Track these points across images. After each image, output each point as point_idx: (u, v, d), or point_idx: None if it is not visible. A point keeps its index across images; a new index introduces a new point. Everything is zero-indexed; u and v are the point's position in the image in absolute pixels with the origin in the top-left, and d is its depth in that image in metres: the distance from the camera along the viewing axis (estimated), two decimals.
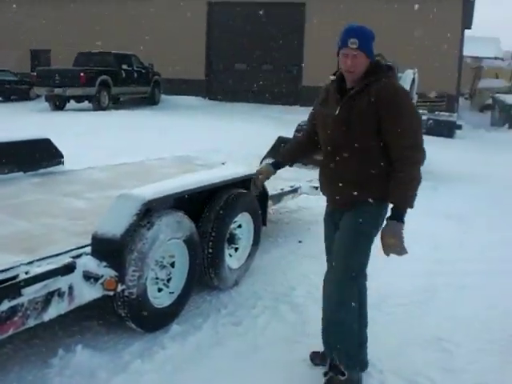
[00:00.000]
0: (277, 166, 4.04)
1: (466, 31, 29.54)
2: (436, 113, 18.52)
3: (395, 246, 3.22)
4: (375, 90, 3.22)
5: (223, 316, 4.38)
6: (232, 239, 4.89)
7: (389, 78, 3.32)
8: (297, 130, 11.21)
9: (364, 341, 3.64)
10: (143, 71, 22.26)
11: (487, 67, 25.72)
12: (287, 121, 16.83)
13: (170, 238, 3.98)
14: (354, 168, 3.32)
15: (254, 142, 12.51)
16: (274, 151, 10.27)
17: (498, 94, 20.95)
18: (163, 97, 24.11)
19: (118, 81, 20.64)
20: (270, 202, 5.95)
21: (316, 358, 3.82)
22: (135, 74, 21.75)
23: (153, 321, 4.02)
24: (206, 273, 4.63)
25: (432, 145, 14.19)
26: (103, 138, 12.59)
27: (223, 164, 7.74)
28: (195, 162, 7.41)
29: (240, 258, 5.03)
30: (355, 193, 3.35)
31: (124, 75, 21.03)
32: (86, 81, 19.05)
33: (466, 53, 28.96)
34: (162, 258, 4.09)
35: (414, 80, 11.55)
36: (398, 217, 3.22)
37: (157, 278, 4.08)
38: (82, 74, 18.98)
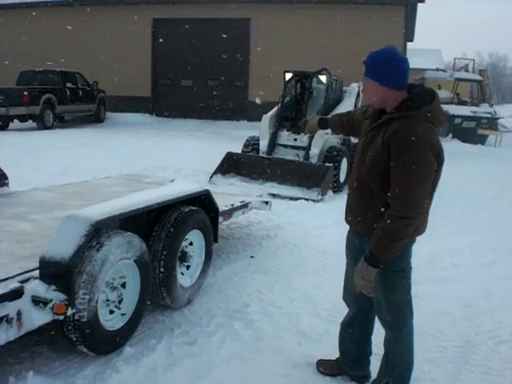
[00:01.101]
0: (324, 124, 4.13)
1: (409, 44, 30.25)
2: None
3: (364, 287, 3.16)
4: (392, 129, 3.06)
5: (177, 336, 4.32)
6: (184, 257, 4.83)
7: (414, 117, 3.04)
8: (245, 145, 11.25)
9: None
10: (88, 89, 21.95)
11: (430, 79, 26.18)
12: (234, 136, 16.90)
13: (120, 259, 3.90)
14: (356, 202, 3.35)
15: (201, 158, 12.54)
16: (224, 166, 10.30)
17: (440, 105, 21.37)
18: (109, 114, 23.82)
19: (63, 99, 20.28)
20: (221, 218, 5.94)
21: (323, 366, 3.91)
22: (80, 92, 21.42)
23: (105, 344, 3.93)
24: (157, 292, 4.56)
25: None
26: (48, 158, 12.33)
27: (172, 181, 7.70)
28: (144, 180, 7.32)
29: (192, 275, 4.99)
30: (360, 224, 3.36)
31: (69, 93, 20.68)
32: (30, 100, 18.64)
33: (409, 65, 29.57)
34: (113, 279, 4.01)
35: (359, 93, 11.71)
36: (370, 260, 3.11)
37: (108, 300, 3.99)
38: (25, 93, 18.56)
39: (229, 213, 6.15)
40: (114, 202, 4.20)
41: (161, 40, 24.82)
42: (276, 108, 11.33)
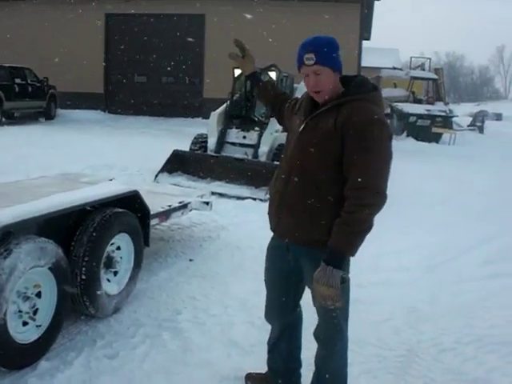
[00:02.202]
0: (256, 77, 3.56)
1: (366, 42, 30.27)
2: None
3: (330, 296, 2.77)
4: (347, 111, 2.81)
5: (99, 348, 4.02)
6: (110, 263, 4.53)
7: (367, 100, 2.87)
8: (193, 143, 10.97)
9: None
10: (38, 85, 21.30)
11: (386, 77, 26.23)
12: (188, 134, 16.41)
13: (31, 267, 3.59)
14: (301, 197, 2.94)
15: (151, 156, 12.12)
16: (169, 165, 9.99)
17: (395, 103, 21.39)
18: (61, 111, 23.20)
19: (11, 95, 19.62)
20: (157, 220, 5.66)
21: (251, 380, 3.64)
22: (29, 88, 20.76)
23: (17, 358, 3.61)
24: (80, 301, 4.25)
25: None
26: None
27: (110, 180, 7.33)
28: (80, 180, 6.95)
29: (120, 282, 4.69)
30: (301, 227, 2.97)
31: (17, 89, 20.04)
32: None
33: (365, 64, 29.60)
34: (26, 288, 3.69)
35: None
36: (335, 262, 2.75)
37: (20, 311, 3.68)
38: None
39: (166, 214, 5.87)
40: (28, 204, 3.88)
41: (114, 35, 24.34)
42: (225, 105, 11.07)
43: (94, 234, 4.21)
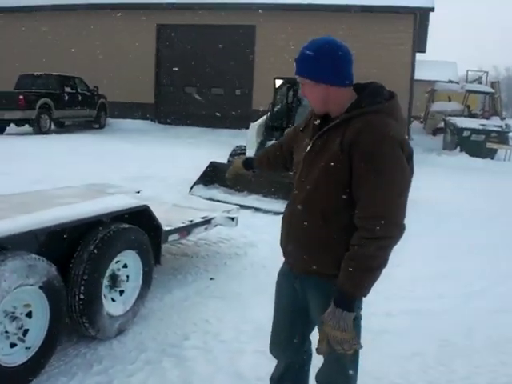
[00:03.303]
0: (249, 164, 3.42)
1: (421, 55, 29.60)
2: None
3: (346, 340, 2.38)
4: (354, 129, 2.39)
5: (93, 374, 3.72)
6: (114, 281, 4.25)
7: (380, 111, 2.44)
8: (231, 155, 10.68)
9: None
10: (88, 94, 21.50)
11: (441, 90, 25.55)
12: (234, 145, 16.27)
13: (17, 286, 3.33)
14: (305, 227, 2.57)
15: (194, 167, 11.85)
16: (206, 177, 9.73)
17: (449, 117, 20.71)
18: (111, 120, 23.37)
19: (61, 104, 19.84)
20: (176, 236, 5.37)
21: None
22: (79, 97, 20.97)
23: (2, 382, 3.35)
24: (79, 322, 3.97)
25: None
26: (30, 164, 11.84)
27: (138, 192, 7.15)
28: (106, 191, 6.74)
29: (126, 302, 4.39)
30: (307, 259, 2.60)
31: (67, 98, 20.24)
32: (26, 104, 18.21)
33: (420, 76, 28.93)
34: (14, 308, 3.44)
35: None
36: (344, 304, 2.36)
37: (7, 332, 3.42)
38: (20, 97, 18.14)
39: (186, 229, 5.57)
40: (21, 218, 3.63)
41: (165, 46, 24.37)
42: (265, 117, 10.76)
43: (96, 251, 3.93)
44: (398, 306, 5.27)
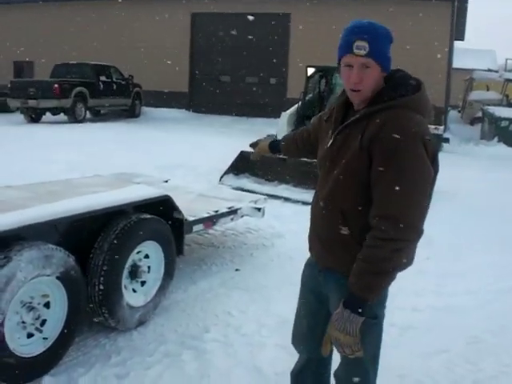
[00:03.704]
0: (275, 147, 3.35)
1: (460, 43, 29.06)
2: None
3: (347, 344, 2.29)
4: (376, 124, 2.27)
5: (111, 366, 3.69)
6: (135, 272, 4.20)
7: (404, 106, 2.31)
8: None
9: None
10: (123, 83, 21.60)
11: (479, 79, 25.04)
12: (265, 135, 16.16)
13: (34, 276, 3.30)
14: (327, 225, 2.49)
15: (225, 156, 11.81)
16: (236, 166, 9.66)
17: (487, 107, 20.26)
18: (145, 109, 23.47)
19: (96, 93, 19.98)
20: (201, 226, 5.32)
21: None
22: (114, 86, 21.09)
23: (19, 372, 3.33)
24: (99, 312, 3.94)
25: None
26: (63, 152, 11.89)
27: (166, 182, 7.12)
28: (133, 180, 6.72)
29: (148, 293, 4.35)
30: (328, 256, 2.54)
31: (102, 87, 20.37)
32: (61, 92, 18.37)
33: (459, 65, 28.43)
34: (31, 298, 3.42)
35: None
36: (353, 306, 2.25)
37: (24, 322, 3.40)
38: (55, 86, 18.31)
39: (211, 220, 5.51)
40: (40, 208, 3.61)
41: (199, 35, 24.35)
42: (296, 106, 10.62)
43: (116, 242, 3.90)
44: (426, 301, 5.13)
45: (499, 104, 21.22)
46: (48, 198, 4.77)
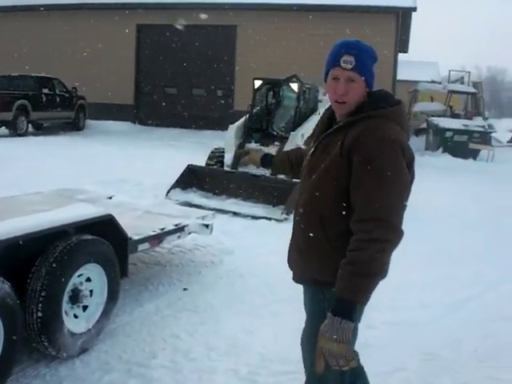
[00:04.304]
0: (267, 162, 3.35)
1: (403, 55, 29.51)
2: None
3: (341, 355, 2.23)
4: (356, 131, 2.39)
5: None
6: (76, 297, 3.98)
7: (384, 116, 2.44)
8: (209, 158, 10.43)
9: None
10: (66, 95, 21.08)
11: (423, 91, 25.41)
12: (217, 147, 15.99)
13: None
14: (304, 231, 2.55)
15: (172, 170, 11.58)
16: (183, 180, 9.48)
17: (432, 118, 20.56)
18: (90, 122, 22.97)
19: (38, 105, 19.41)
20: (147, 245, 5.12)
21: None
22: (57, 99, 20.55)
23: None
24: (38, 341, 3.71)
25: None
26: (4, 167, 11.47)
27: (110, 198, 6.89)
28: (77, 197, 6.47)
29: (90, 318, 4.13)
30: (304, 265, 2.62)
31: (45, 99, 19.84)
32: (2, 105, 17.78)
33: (402, 77, 28.82)
34: None
35: None
36: (343, 312, 2.24)
37: None
38: None
39: (158, 238, 5.32)
40: None
41: (145, 46, 24.07)
42: (244, 118, 10.50)
43: (54, 265, 3.67)
44: (380, 316, 5.01)
45: (443, 115, 21.54)
46: None
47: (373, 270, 2.26)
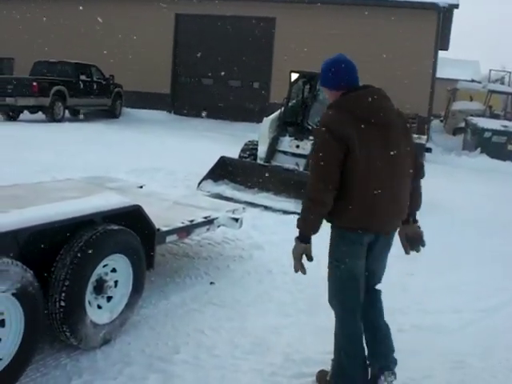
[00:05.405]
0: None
1: (444, 53, 28.99)
2: None
3: (295, 265, 3.38)
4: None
5: None
6: (101, 287, 3.91)
7: (330, 107, 3.37)
8: (242, 150, 10.32)
9: None
10: (104, 83, 21.18)
11: (462, 89, 24.97)
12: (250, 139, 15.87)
13: None
14: None
15: (205, 161, 11.51)
16: (215, 172, 9.38)
17: (470, 117, 20.16)
18: (126, 110, 23.07)
19: (75, 92, 19.54)
20: (175, 237, 5.04)
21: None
22: (94, 86, 20.67)
23: None
24: (60, 330, 3.65)
25: None
26: (38, 152, 11.53)
27: (141, 187, 6.83)
28: (107, 185, 6.43)
29: (113, 309, 4.05)
30: None
31: (82, 86, 19.96)
32: (39, 91, 17.92)
33: (442, 75, 28.35)
34: None
35: None
36: (298, 236, 3.36)
37: None
38: (34, 84, 17.86)
39: (186, 230, 5.23)
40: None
41: (183, 36, 24.04)
42: (279, 111, 10.36)
43: (79, 255, 3.60)
44: (410, 319, 4.90)
45: (482, 115, 21.13)
46: (10, 204, 4.48)
47: (303, 214, 3.31)
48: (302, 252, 3.32)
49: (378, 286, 3.71)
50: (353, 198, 3.20)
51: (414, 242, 3.63)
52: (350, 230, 3.29)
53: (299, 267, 3.35)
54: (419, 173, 3.52)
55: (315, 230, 3.29)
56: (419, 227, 3.67)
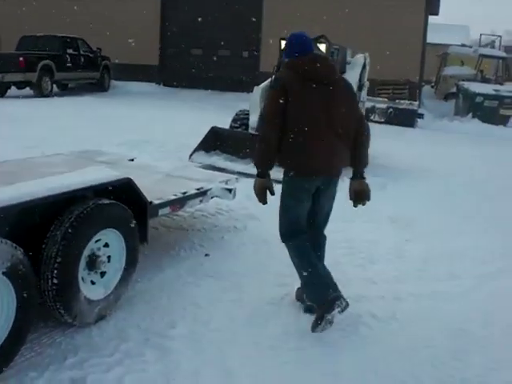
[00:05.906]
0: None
1: (434, 18, 28.67)
2: (396, 101, 17.58)
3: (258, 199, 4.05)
4: None
5: (66, 367, 3.34)
6: (94, 263, 3.83)
7: (281, 68, 4.26)
8: (233, 120, 10.19)
9: None
10: (91, 56, 20.86)
11: (453, 54, 24.74)
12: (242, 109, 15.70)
13: None
14: None
15: (195, 132, 11.36)
16: (207, 143, 9.26)
17: (462, 82, 20.01)
18: (115, 83, 22.78)
19: (63, 66, 19.25)
20: (168, 209, 4.96)
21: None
22: (82, 59, 20.35)
23: None
24: (53, 308, 3.58)
25: (388, 135, 13.23)
26: (27, 128, 11.38)
27: (132, 160, 6.72)
28: (96, 159, 6.32)
29: (107, 285, 3.98)
30: None
31: (69, 60, 19.66)
32: (26, 66, 17.64)
33: (432, 40, 28.07)
34: None
35: (364, 65, 10.54)
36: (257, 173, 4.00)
37: None
38: (21, 59, 17.56)
39: (179, 202, 5.15)
40: None
41: (170, 7, 23.68)
42: (269, 80, 10.21)
43: (70, 231, 3.51)
44: (408, 288, 4.85)
45: (474, 79, 20.98)
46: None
47: (255, 153, 3.93)
48: (263, 186, 3.92)
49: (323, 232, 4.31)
50: (294, 144, 3.81)
51: (360, 196, 4.04)
52: (294, 174, 3.98)
53: (262, 199, 3.99)
54: (362, 133, 3.99)
55: (267, 164, 3.89)
56: (367, 184, 4.05)
